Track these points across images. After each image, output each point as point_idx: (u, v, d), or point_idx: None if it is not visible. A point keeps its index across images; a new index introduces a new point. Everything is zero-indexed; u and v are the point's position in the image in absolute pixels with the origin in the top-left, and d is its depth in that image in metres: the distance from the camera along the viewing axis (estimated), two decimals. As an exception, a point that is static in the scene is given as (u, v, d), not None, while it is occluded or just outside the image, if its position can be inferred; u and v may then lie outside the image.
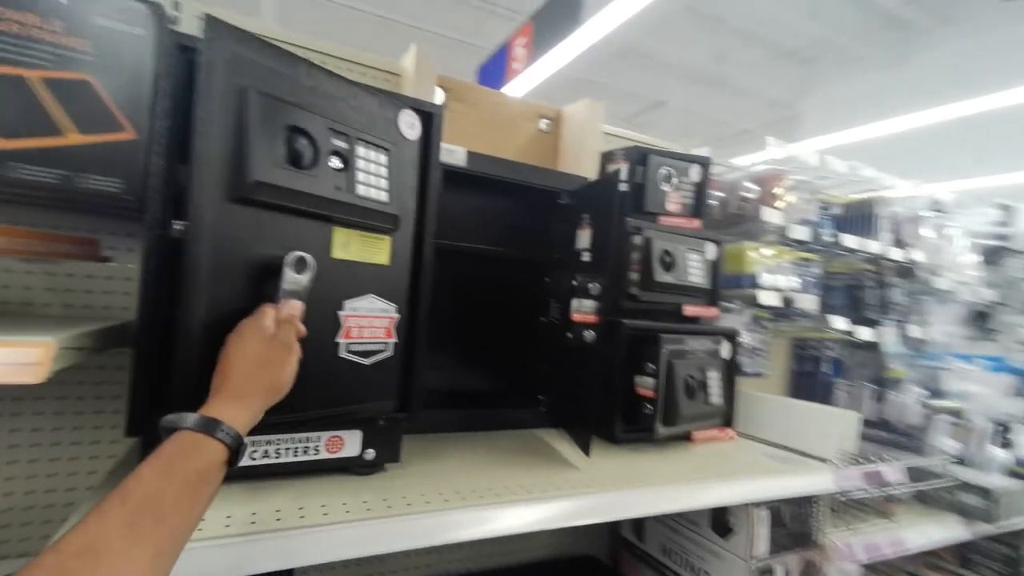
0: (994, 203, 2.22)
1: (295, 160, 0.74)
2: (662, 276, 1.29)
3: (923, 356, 1.92)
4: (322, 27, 6.09)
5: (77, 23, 0.85)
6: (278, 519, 0.72)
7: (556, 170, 1.41)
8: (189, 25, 1.11)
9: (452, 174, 1.18)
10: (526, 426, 1.31)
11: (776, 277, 1.58)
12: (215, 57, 0.68)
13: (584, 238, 1.19)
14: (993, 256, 2.16)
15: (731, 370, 1.39)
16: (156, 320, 0.74)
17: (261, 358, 0.65)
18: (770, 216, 1.52)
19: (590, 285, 1.05)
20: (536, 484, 0.93)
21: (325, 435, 0.88)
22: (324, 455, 0.88)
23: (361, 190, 0.81)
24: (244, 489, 0.80)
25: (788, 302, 1.57)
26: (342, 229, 0.82)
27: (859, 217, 1.83)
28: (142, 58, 0.89)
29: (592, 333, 1.05)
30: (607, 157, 1.44)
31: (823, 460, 1.28)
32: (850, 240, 1.71)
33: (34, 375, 0.55)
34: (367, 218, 0.84)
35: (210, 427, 0.55)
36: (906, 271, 1.94)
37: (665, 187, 1.39)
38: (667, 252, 1.31)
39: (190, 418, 0.56)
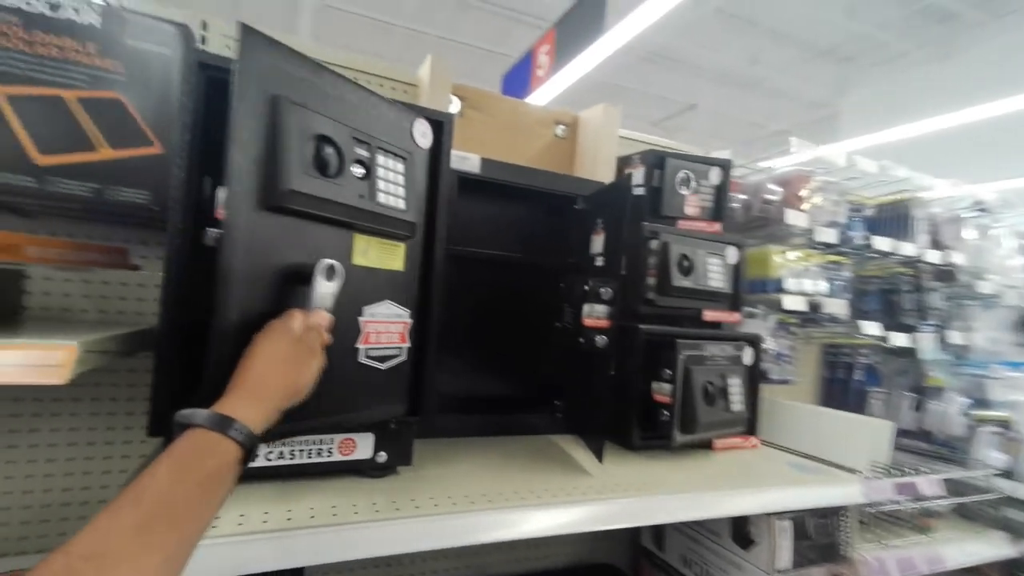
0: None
1: (323, 169, 0.75)
2: (680, 281, 1.27)
3: (966, 363, 1.83)
4: (355, 41, 6.28)
5: (110, 45, 0.91)
6: (289, 519, 0.74)
7: (570, 175, 1.40)
8: (216, 44, 1.17)
9: (468, 181, 1.20)
10: (542, 432, 1.31)
11: (802, 281, 1.54)
12: (250, 66, 0.68)
13: (598, 243, 1.19)
14: (1043, 258, 2.03)
15: (754, 377, 1.35)
16: (177, 325, 0.78)
17: (283, 358, 0.64)
18: (795, 219, 1.48)
19: (602, 290, 1.05)
20: (547, 489, 0.93)
21: (338, 437, 0.90)
22: (337, 457, 0.90)
23: (382, 198, 0.82)
24: (258, 489, 0.82)
25: (815, 307, 1.52)
26: (362, 236, 0.84)
27: (893, 219, 1.76)
28: (169, 76, 0.94)
29: (604, 338, 1.04)
30: (624, 162, 1.43)
31: (852, 471, 1.23)
32: (883, 243, 1.65)
33: (57, 376, 0.58)
34: (387, 225, 0.85)
35: (223, 425, 0.54)
36: (946, 274, 1.85)
37: (683, 191, 1.37)
38: (685, 256, 1.29)
39: (204, 414, 0.55)
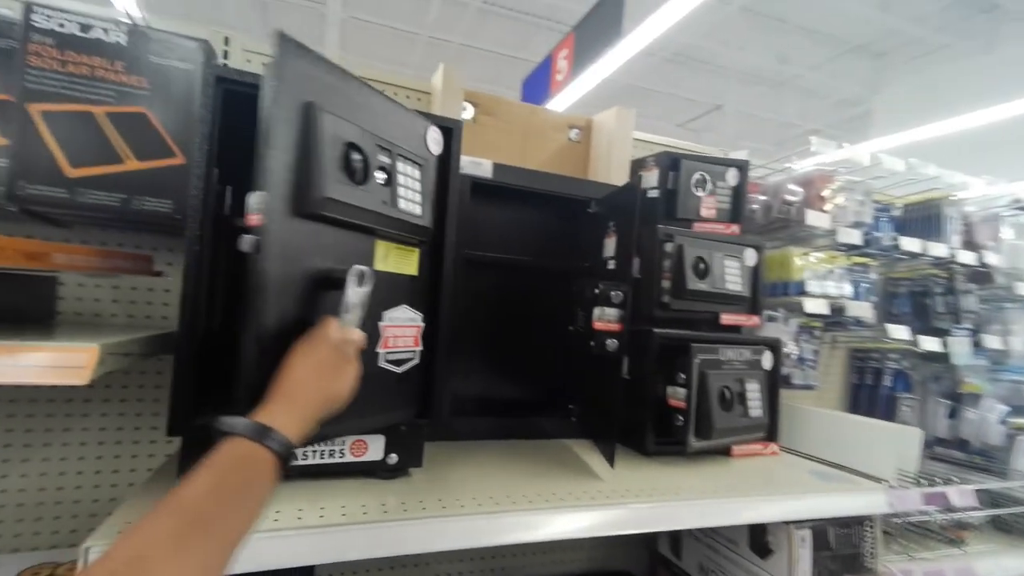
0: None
1: (352, 175, 0.76)
2: (695, 284, 1.26)
3: (1004, 369, 1.75)
4: (380, 51, 6.41)
5: (135, 62, 0.95)
6: (299, 518, 0.76)
7: (582, 179, 1.40)
8: (237, 59, 1.21)
9: (481, 186, 1.21)
10: (557, 436, 1.31)
11: (826, 284, 1.50)
12: (286, 72, 0.68)
13: (610, 246, 1.18)
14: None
15: (774, 382, 1.32)
16: (196, 329, 0.81)
17: (321, 367, 0.65)
18: (816, 219, 1.44)
19: (612, 293, 1.04)
20: (555, 493, 0.92)
21: (350, 439, 0.92)
22: (349, 458, 0.92)
23: (401, 204, 0.83)
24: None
25: (839, 310, 1.48)
26: (383, 242, 0.85)
27: (923, 219, 1.70)
28: (191, 90, 0.99)
29: (615, 342, 1.04)
30: (638, 164, 1.42)
31: (878, 480, 1.18)
32: (912, 243, 1.59)
33: (79, 377, 0.61)
34: (406, 231, 0.87)
35: (261, 434, 0.55)
36: (982, 276, 1.78)
37: (699, 192, 1.36)
38: (701, 259, 1.28)
39: (243, 423, 0.56)
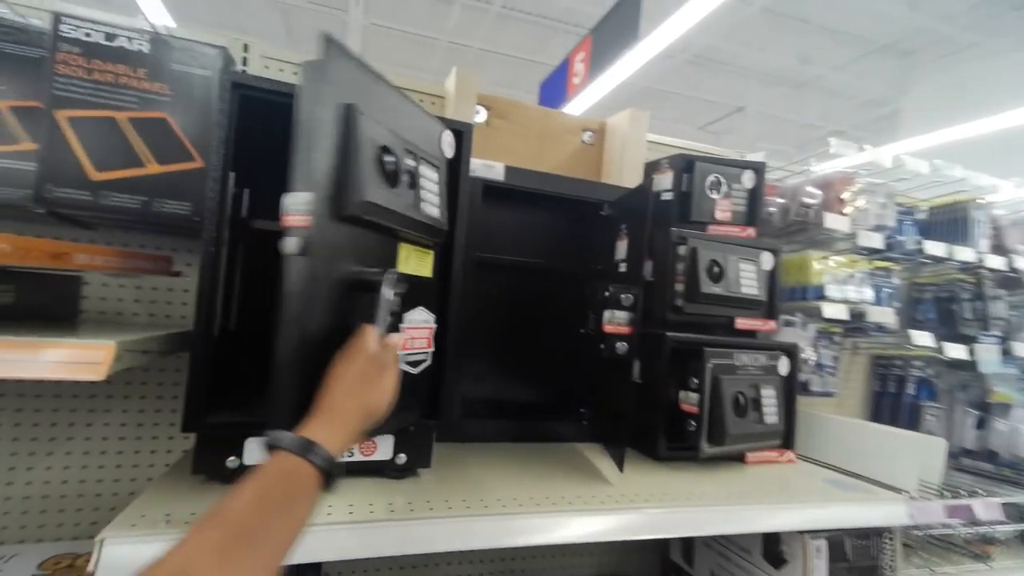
0: None
1: (386, 178, 0.76)
2: (709, 287, 1.24)
3: (1037, 378, 1.69)
4: (401, 57, 6.48)
5: (157, 69, 0.98)
6: (308, 515, 0.77)
7: (595, 181, 1.40)
8: (256, 65, 1.24)
9: (493, 189, 1.21)
10: (568, 440, 1.30)
11: (846, 288, 1.46)
12: (331, 74, 0.67)
13: (622, 249, 1.17)
14: None
15: (791, 388, 1.30)
16: (212, 328, 0.83)
17: (362, 379, 0.66)
18: (835, 222, 1.41)
19: (622, 296, 1.04)
20: (562, 496, 0.92)
21: (360, 438, 0.93)
22: (359, 457, 0.93)
23: (424, 207, 0.84)
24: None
25: (859, 315, 1.44)
26: (406, 244, 0.86)
27: (949, 222, 1.65)
28: (210, 96, 1.01)
29: (624, 345, 1.03)
30: (651, 167, 1.41)
31: (898, 490, 1.15)
32: (936, 247, 1.55)
33: (96, 373, 0.63)
34: (427, 234, 0.87)
35: (305, 449, 0.56)
36: (1011, 281, 1.72)
37: (714, 195, 1.34)
38: (715, 262, 1.26)
39: (288, 438, 0.56)
